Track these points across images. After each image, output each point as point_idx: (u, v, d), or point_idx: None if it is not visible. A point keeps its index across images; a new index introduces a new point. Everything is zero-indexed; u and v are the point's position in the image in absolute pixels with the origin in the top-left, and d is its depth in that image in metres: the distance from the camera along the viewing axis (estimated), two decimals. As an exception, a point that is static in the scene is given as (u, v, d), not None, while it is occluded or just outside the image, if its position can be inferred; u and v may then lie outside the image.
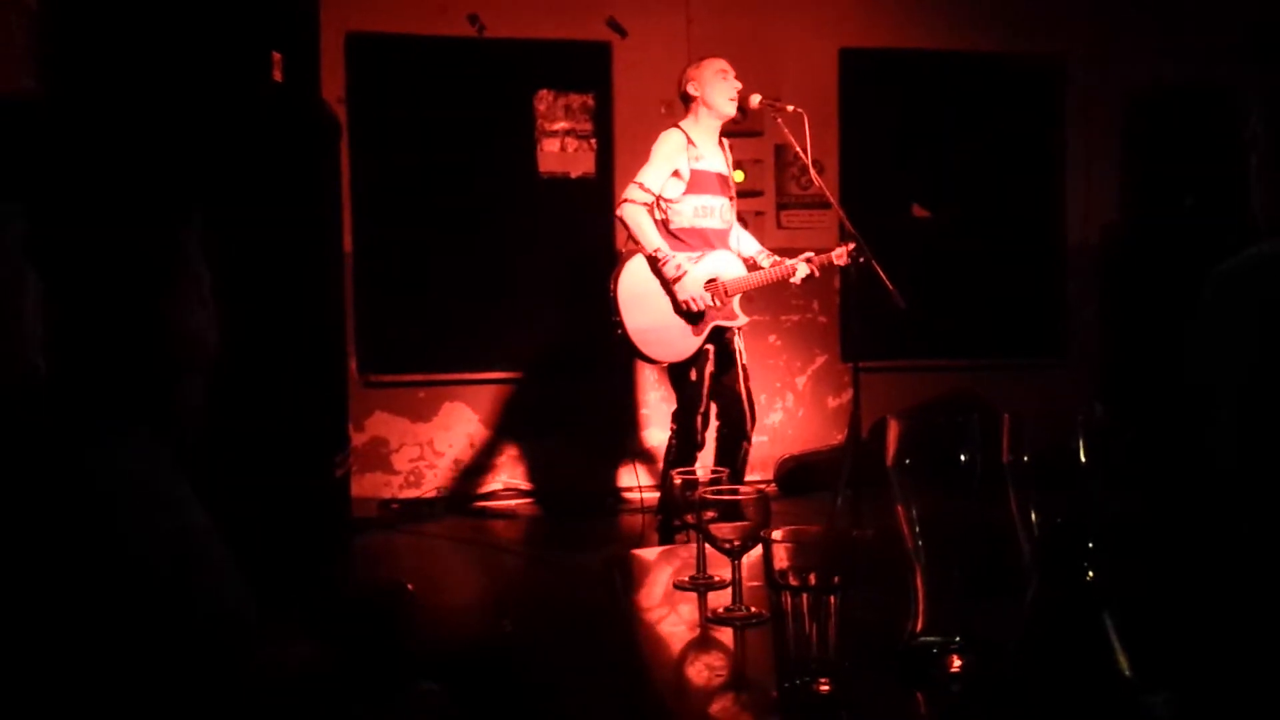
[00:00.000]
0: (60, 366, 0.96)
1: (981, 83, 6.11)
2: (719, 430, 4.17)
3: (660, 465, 4.58)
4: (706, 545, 1.43)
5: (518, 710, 1.52)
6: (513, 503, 5.57)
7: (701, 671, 1.25)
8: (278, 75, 3.53)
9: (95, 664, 0.90)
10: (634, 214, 3.95)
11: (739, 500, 1.35)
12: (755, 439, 4.26)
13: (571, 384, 5.55)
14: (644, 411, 5.77)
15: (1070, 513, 0.98)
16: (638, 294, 3.97)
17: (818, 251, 4.14)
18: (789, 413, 6.01)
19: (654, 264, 3.95)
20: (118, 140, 1.08)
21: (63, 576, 0.89)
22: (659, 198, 3.99)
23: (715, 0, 5.74)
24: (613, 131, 5.72)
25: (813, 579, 1.01)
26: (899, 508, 1.07)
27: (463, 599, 4.03)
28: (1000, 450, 1.01)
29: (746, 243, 4.27)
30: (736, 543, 1.33)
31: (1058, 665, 0.95)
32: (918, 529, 1.06)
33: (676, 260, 3.93)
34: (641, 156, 4.07)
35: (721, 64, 4.06)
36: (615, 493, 5.61)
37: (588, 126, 5.76)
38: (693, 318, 3.98)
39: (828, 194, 4.27)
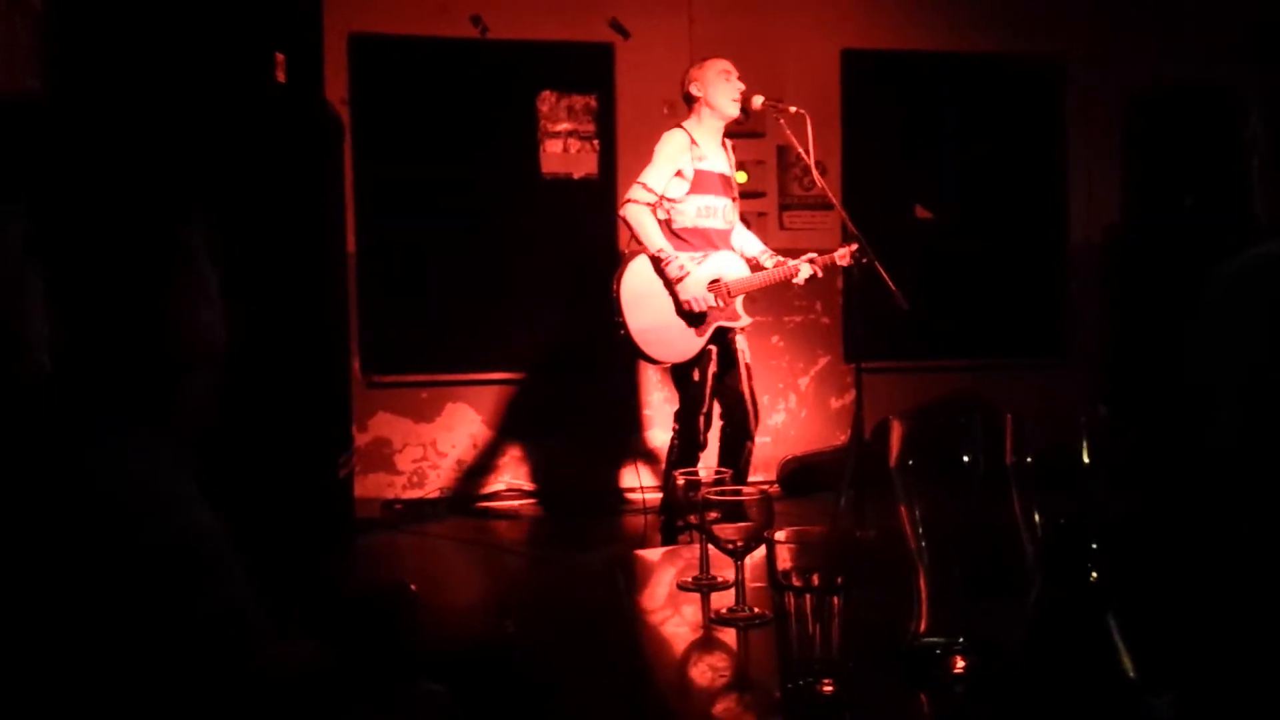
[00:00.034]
0: (63, 365, 0.96)
1: (982, 83, 6.12)
2: (722, 431, 4.17)
3: (663, 465, 4.58)
4: (710, 546, 1.43)
5: (520, 710, 1.52)
6: (515, 503, 5.58)
7: (705, 672, 1.25)
8: (281, 76, 3.53)
9: (96, 662, 0.90)
10: (637, 214, 3.95)
11: (742, 501, 1.36)
12: (758, 439, 4.26)
13: (574, 384, 5.55)
14: (647, 412, 5.77)
15: (1073, 513, 0.98)
16: (640, 294, 3.97)
17: (820, 252, 4.14)
18: (792, 413, 6.01)
19: (657, 264, 3.95)
20: (121, 140, 1.09)
21: (63, 576, 0.89)
22: (662, 198, 3.98)
23: (717, 1, 5.74)
24: (615, 132, 5.72)
25: (816, 580, 1.01)
26: (902, 508, 1.07)
27: (465, 599, 4.04)
28: (1003, 451, 1.01)
29: (750, 243, 4.27)
30: (740, 543, 1.33)
31: (1061, 666, 0.95)
32: (920, 529, 1.06)
33: (680, 260, 3.93)
34: (644, 157, 4.07)
35: (725, 65, 4.06)
36: (618, 493, 5.61)
37: (590, 127, 5.76)
38: (695, 318, 3.98)
39: (830, 195, 4.27)
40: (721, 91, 4.01)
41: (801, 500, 5.43)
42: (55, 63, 3.07)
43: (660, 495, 4.45)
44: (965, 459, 1.04)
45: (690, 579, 1.51)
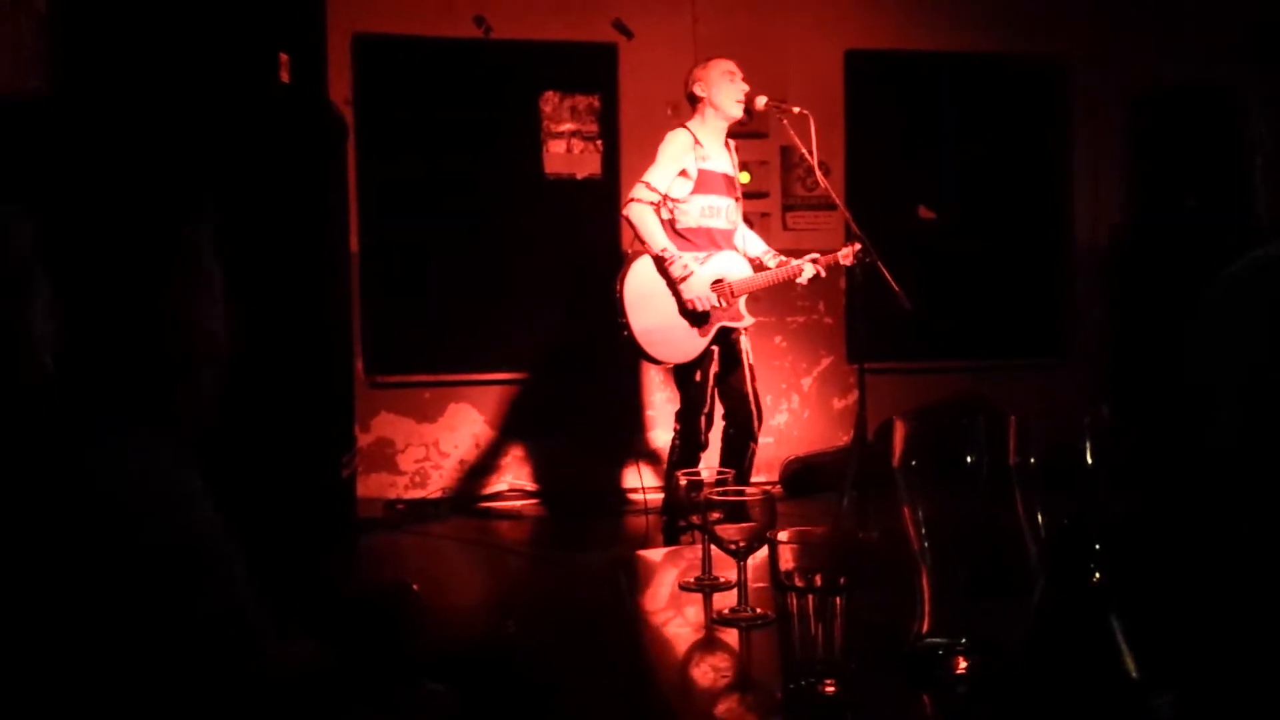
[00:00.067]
0: (65, 365, 0.96)
1: (985, 83, 6.12)
2: (725, 431, 4.17)
3: (664, 466, 4.58)
4: (712, 546, 1.43)
5: (522, 711, 1.52)
6: (518, 503, 5.58)
7: (707, 673, 1.25)
8: (285, 76, 3.54)
9: (96, 662, 0.90)
10: (640, 213, 3.95)
11: (745, 501, 1.35)
12: (761, 440, 4.25)
13: (577, 385, 5.55)
14: (649, 412, 5.77)
15: (1076, 514, 0.98)
16: (643, 295, 3.97)
17: (823, 252, 4.14)
18: (794, 414, 6.01)
19: (660, 264, 3.95)
20: (124, 141, 1.09)
21: (63, 576, 0.89)
22: (665, 197, 3.99)
23: (721, 2, 5.74)
24: (618, 133, 5.72)
25: (818, 580, 1.01)
26: (905, 509, 1.07)
27: (467, 599, 4.04)
28: (1006, 451, 1.01)
29: (753, 243, 4.27)
30: (742, 544, 1.33)
31: (1064, 667, 0.95)
32: (923, 530, 1.06)
33: (683, 260, 3.93)
34: (648, 158, 4.07)
35: (729, 65, 4.06)
36: (620, 494, 5.61)
37: (593, 128, 5.76)
38: (699, 319, 3.98)
39: (833, 195, 4.27)
40: (726, 92, 4.02)
41: (804, 501, 5.43)
42: (59, 63, 3.07)
43: (662, 496, 4.45)
44: (968, 460, 1.04)
45: (692, 579, 1.51)
